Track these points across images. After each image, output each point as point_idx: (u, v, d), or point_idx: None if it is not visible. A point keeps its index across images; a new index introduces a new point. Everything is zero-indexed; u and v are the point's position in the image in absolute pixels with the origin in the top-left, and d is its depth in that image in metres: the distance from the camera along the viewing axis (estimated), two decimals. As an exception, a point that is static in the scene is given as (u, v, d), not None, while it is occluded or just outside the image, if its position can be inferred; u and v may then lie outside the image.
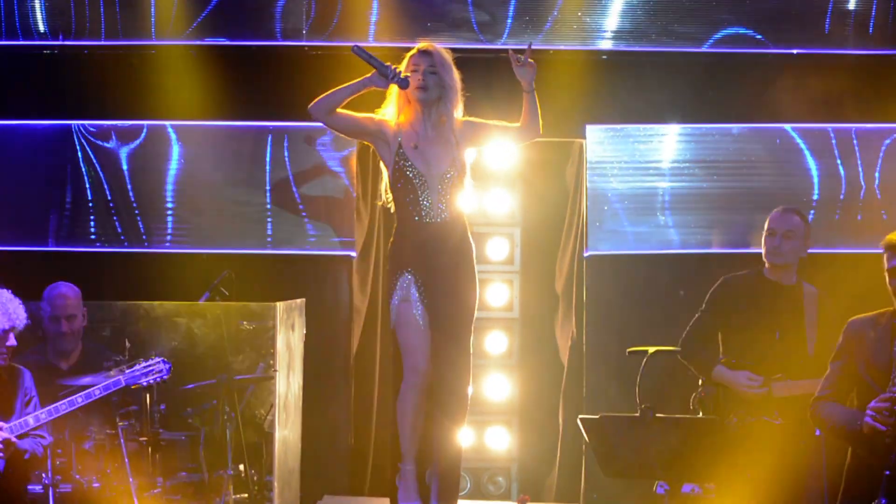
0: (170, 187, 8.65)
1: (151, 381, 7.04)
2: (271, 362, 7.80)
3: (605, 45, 8.61)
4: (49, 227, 8.65)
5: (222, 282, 8.03)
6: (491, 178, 9.15)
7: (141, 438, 7.20)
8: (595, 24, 8.59)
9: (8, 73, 8.65)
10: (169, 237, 8.64)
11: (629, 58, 8.62)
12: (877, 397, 5.52)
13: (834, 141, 8.58)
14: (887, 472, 5.42)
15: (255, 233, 8.63)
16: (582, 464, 8.48)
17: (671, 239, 8.59)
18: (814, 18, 8.54)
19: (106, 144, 8.66)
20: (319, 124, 6.65)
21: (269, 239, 8.64)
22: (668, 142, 8.63)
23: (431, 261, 6.36)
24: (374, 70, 6.33)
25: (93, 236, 8.65)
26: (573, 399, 8.64)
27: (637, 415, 6.31)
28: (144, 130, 8.67)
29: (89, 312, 7.69)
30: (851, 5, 8.53)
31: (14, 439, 6.64)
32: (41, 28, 8.64)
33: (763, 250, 6.98)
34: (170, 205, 8.64)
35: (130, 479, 6.97)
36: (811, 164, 8.58)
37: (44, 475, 6.84)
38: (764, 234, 7.00)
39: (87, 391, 6.86)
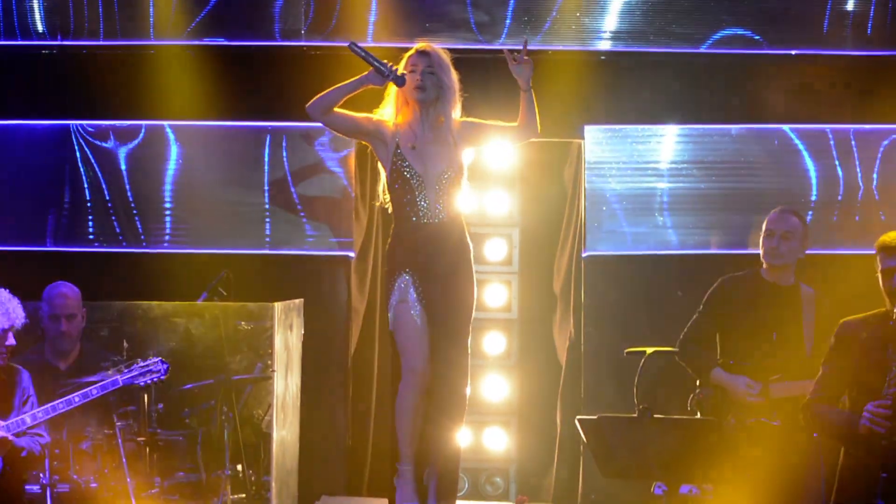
0: (168, 187, 8.65)
1: (149, 382, 7.04)
2: (269, 362, 7.80)
3: (604, 45, 8.61)
4: (47, 227, 8.64)
5: (220, 282, 8.03)
6: (489, 178, 9.15)
7: (139, 438, 7.20)
8: (594, 24, 8.59)
9: (6, 73, 8.65)
10: (167, 237, 8.64)
11: (628, 58, 8.62)
12: (874, 401, 5.50)
13: (832, 142, 8.58)
14: (884, 475, 5.41)
15: (253, 233, 8.63)
16: (580, 464, 8.48)
17: (669, 240, 8.59)
18: (812, 19, 8.54)
19: (104, 144, 8.66)
20: (318, 125, 6.64)
21: (267, 239, 8.63)
22: (666, 142, 8.63)
23: (429, 261, 6.35)
24: (370, 68, 6.32)
25: (91, 236, 8.65)
26: (571, 400, 8.64)
27: (635, 415, 6.31)
28: (143, 131, 8.67)
29: (87, 313, 7.68)
30: (850, 6, 8.53)
31: (11, 437, 6.64)
32: (40, 28, 8.64)
33: (761, 251, 6.97)
34: (168, 205, 8.64)
35: (128, 480, 6.98)
36: (809, 164, 8.58)
37: (41, 475, 6.84)
38: (762, 234, 6.99)
39: (84, 391, 6.86)
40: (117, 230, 8.63)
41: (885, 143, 8.55)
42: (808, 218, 8.20)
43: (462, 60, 6.58)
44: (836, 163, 8.56)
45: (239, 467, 7.62)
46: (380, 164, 6.51)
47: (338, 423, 8.57)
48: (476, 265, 6.52)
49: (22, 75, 8.67)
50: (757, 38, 8.55)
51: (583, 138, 8.60)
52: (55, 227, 8.64)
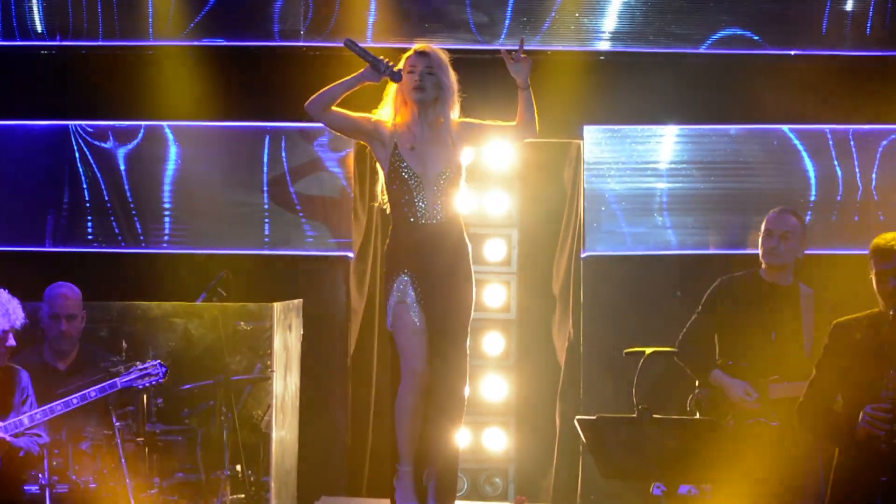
0: (167, 188, 8.65)
1: (147, 384, 7.03)
2: (268, 363, 7.80)
3: (603, 46, 8.61)
4: (46, 228, 8.64)
5: (219, 282, 8.02)
6: (488, 178, 9.15)
7: (138, 439, 7.20)
8: (593, 25, 8.59)
9: (6, 74, 8.64)
10: (166, 238, 8.64)
11: (627, 59, 8.62)
12: (872, 404, 5.48)
13: (831, 142, 8.58)
14: (884, 479, 5.41)
15: (252, 233, 8.63)
16: (579, 465, 8.48)
17: (668, 240, 8.60)
18: (811, 20, 8.54)
19: (103, 145, 8.66)
20: (317, 125, 6.64)
21: (266, 239, 8.63)
22: (665, 143, 8.63)
23: (428, 262, 6.35)
24: (366, 65, 6.32)
25: (90, 237, 8.65)
26: (570, 400, 8.64)
27: (634, 416, 6.30)
28: (142, 131, 8.67)
29: (87, 313, 7.68)
30: (849, 6, 8.53)
31: (9, 438, 6.64)
32: (39, 28, 8.64)
33: (760, 251, 6.98)
34: (167, 205, 8.64)
35: (127, 480, 6.96)
36: (808, 165, 8.58)
37: (40, 475, 6.83)
38: (761, 234, 6.99)
39: (82, 392, 6.86)
40: (116, 230, 8.63)
41: (884, 143, 8.55)
42: (807, 218, 8.20)
43: (461, 61, 6.57)
44: (835, 163, 8.56)
45: (238, 468, 7.61)
46: (378, 165, 6.51)
47: (337, 423, 8.57)
48: (475, 265, 6.51)
49: (21, 75, 8.67)
50: (756, 38, 8.55)
51: (582, 138, 8.61)
52: (54, 227, 8.64)
